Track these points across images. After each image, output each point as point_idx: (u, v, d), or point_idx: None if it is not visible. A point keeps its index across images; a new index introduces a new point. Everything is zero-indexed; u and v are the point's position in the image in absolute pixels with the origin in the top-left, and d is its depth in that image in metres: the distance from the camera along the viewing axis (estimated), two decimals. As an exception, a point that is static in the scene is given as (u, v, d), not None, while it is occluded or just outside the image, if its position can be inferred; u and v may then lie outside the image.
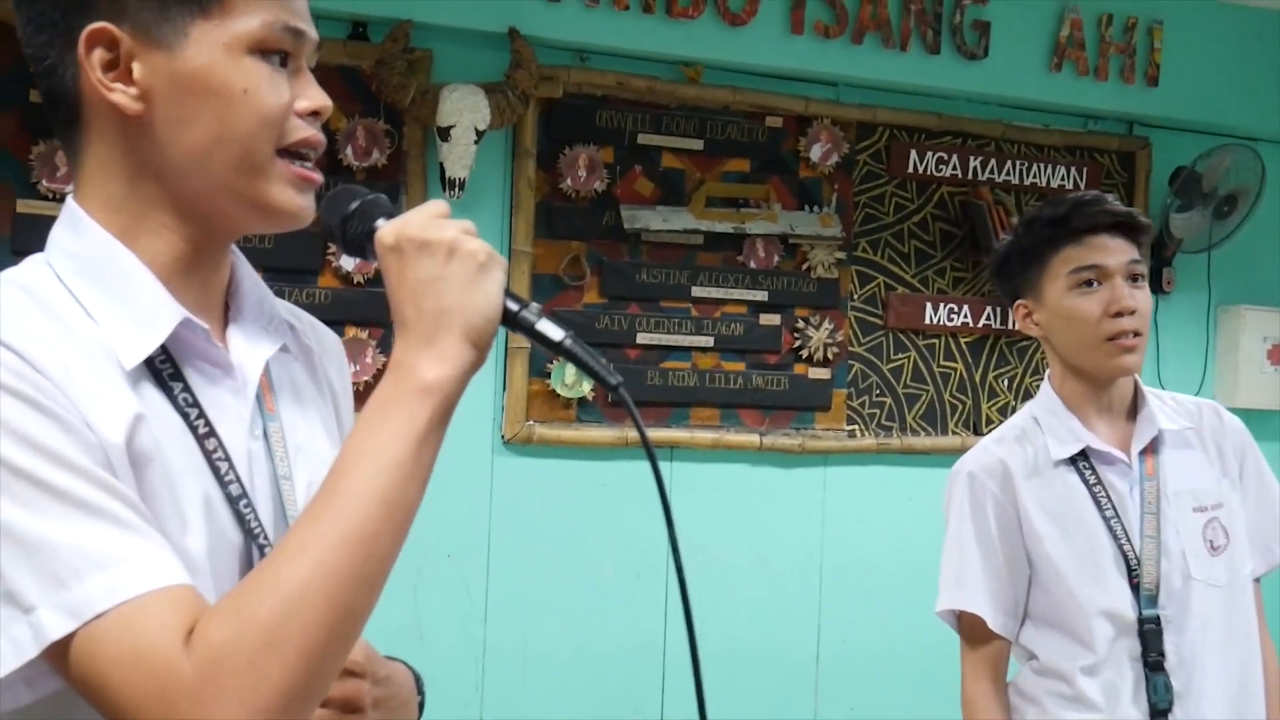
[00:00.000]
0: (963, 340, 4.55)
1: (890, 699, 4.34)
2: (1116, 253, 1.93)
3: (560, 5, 3.81)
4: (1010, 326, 4.56)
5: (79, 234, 1.07)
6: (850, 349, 4.36)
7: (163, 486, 0.98)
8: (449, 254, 0.99)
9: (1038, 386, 4.60)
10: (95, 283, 1.04)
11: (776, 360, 4.25)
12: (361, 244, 1.07)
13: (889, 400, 4.43)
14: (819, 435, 4.26)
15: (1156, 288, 4.81)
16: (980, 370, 4.58)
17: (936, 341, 4.51)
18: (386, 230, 1.02)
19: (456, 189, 3.68)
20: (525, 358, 3.79)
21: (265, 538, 1.05)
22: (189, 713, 0.85)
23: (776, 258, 4.23)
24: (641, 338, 4.05)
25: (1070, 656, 1.90)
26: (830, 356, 4.29)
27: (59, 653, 0.89)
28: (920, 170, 4.44)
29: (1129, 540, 1.90)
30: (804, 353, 4.26)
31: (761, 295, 4.21)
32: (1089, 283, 1.92)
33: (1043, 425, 2.00)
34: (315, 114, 1.08)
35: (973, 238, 4.49)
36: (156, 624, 0.88)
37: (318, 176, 1.10)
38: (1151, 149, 4.77)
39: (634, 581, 3.98)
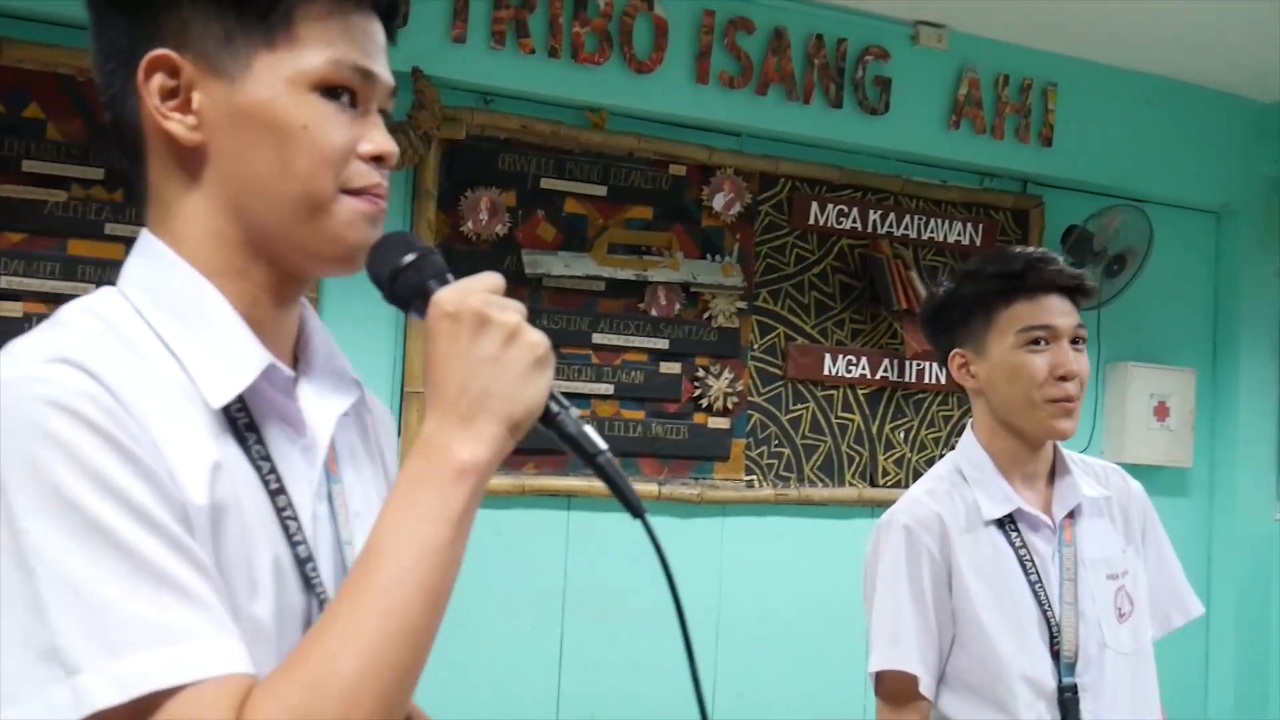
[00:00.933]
0: (860, 392, 4.57)
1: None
2: (1066, 315, 1.92)
3: (465, 46, 3.77)
4: (906, 379, 4.60)
5: (158, 267, 1.01)
6: (750, 399, 4.35)
7: (236, 544, 0.93)
8: (509, 338, 0.95)
9: (933, 439, 4.70)
10: (177, 318, 0.99)
11: (676, 409, 4.22)
12: (409, 299, 1.02)
13: (787, 450, 4.42)
14: (717, 485, 4.24)
15: (1049, 343, 4.90)
16: (877, 422, 4.60)
17: (835, 393, 4.52)
18: (448, 296, 0.96)
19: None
20: (420, 402, 3.71)
21: (323, 606, 1.00)
22: None
23: (678, 306, 4.21)
24: (541, 384, 3.99)
25: None
26: (730, 406, 4.28)
27: None
28: (821, 222, 4.47)
29: (1050, 606, 1.88)
30: (704, 402, 4.24)
31: (662, 343, 4.19)
32: (1038, 341, 1.89)
33: (970, 481, 1.95)
34: (379, 159, 1.03)
35: (872, 290, 4.52)
36: (217, 711, 0.83)
37: (384, 204, 1.05)
38: (1045, 207, 4.87)
39: (529, 633, 3.90)
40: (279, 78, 0.99)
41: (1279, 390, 5.35)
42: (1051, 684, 1.85)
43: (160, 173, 1.02)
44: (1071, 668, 1.86)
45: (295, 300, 1.08)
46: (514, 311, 0.96)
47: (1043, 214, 4.87)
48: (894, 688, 1.92)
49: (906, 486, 4.50)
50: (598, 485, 3.66)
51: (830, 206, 4.48)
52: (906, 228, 4.62)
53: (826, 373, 4.48)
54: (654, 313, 4.16)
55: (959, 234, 4.72)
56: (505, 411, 0.95)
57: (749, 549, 4.24)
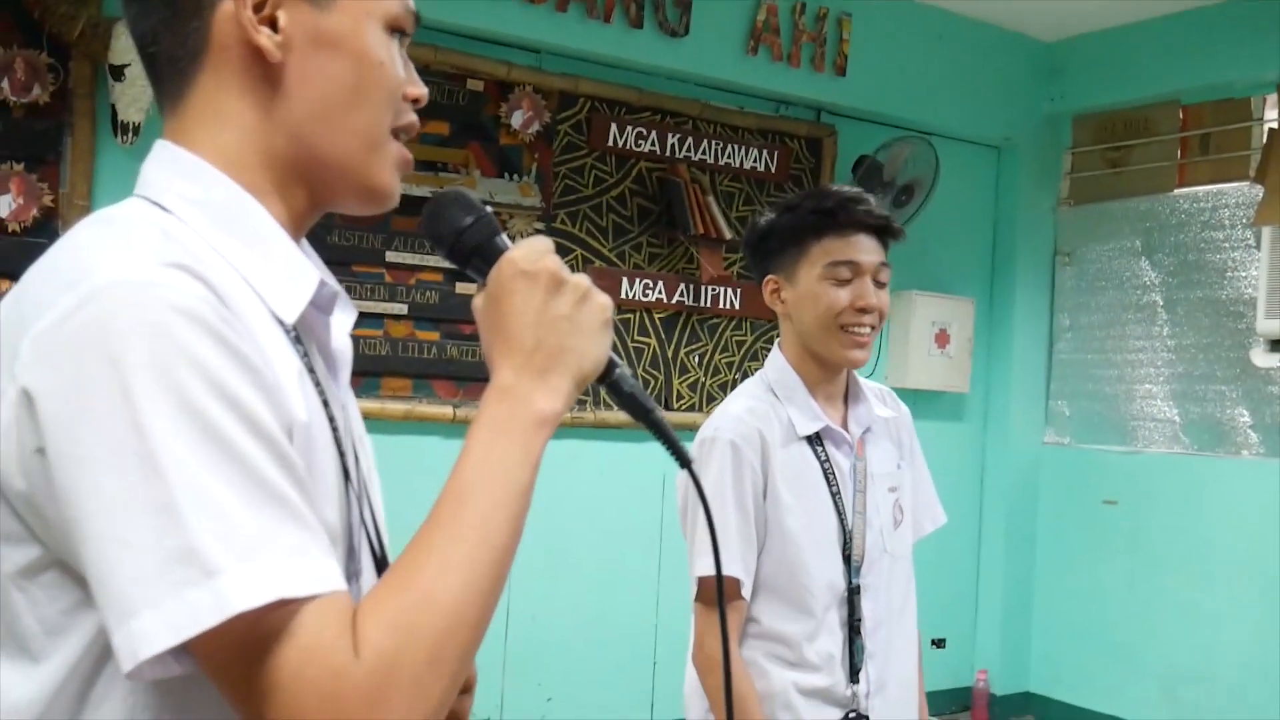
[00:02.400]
0: (657, 316, 4.59)
1: (582, 679, 4.35)
2: (871, 253, 2.04)
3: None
4: (702, 304, 4.64)
5: (201, 182, 0.99)
6: (546, 321, 4.33)
7: (320, 454, 0.96)
8: (583, 299, 1.01)
9: (727, 363, 4.76)
10: (233, 234, 0.98)
11: (471, 330, 4.16)
12: (469, 256, 1.07)
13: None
14: (513, 408, 4.21)
15: (839, 271, 5.01)
16: (673, 346, 4.64)
17: (632, 316, 4.53)
18: (524, 255, 1.01)
19: (130, 134, 3.40)
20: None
21: (360, 511, 1.04)
22: (359, 716, 0.84)
23: (474, 225, 4.12)
24: (331, 303, 3.87)
25: (793, 622, 2.01)
26: (526, 328, 4.24)
27: (222, 630, 0.81)
28: (620, 144, 4.44)
29: (845, 516, 2.04)
30: (500, 323, 4.19)
31: (458, 263, 4.10)
32: (842, 275, 2.02)
33: (783, 399, 2.08)
34: (416, 101, 1.08)
35: (669, 214, 4.53)
36: (334, 625, 0.84)
37: (412, 159, 1.10)
38: (838, 136, 4.95)
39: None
40: (361, 11, 1.02)
41: (1050, 320, 5.62)
42: (843, 585, 2.03)
43: (221, 85, 1.01)
44: (858, 570, 2.05)
45: (308, 227, 1.10)
46: (582, 275, 1.03)
47: (835, 143, 4.95)
48: (713, 592, 2.00)
49: (701, 410, 4.60)
50: (390, 407, 3.58)
51: (629, 128, 4.45)
52: (704, 152, 4.64)
53: (624, 296, 4.48)
54: (450, 232, 4.07)
55: (755, 160, 4.77)
56: (577, 366, 1.00)
57: (544, 473, 4.21)
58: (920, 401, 5.33)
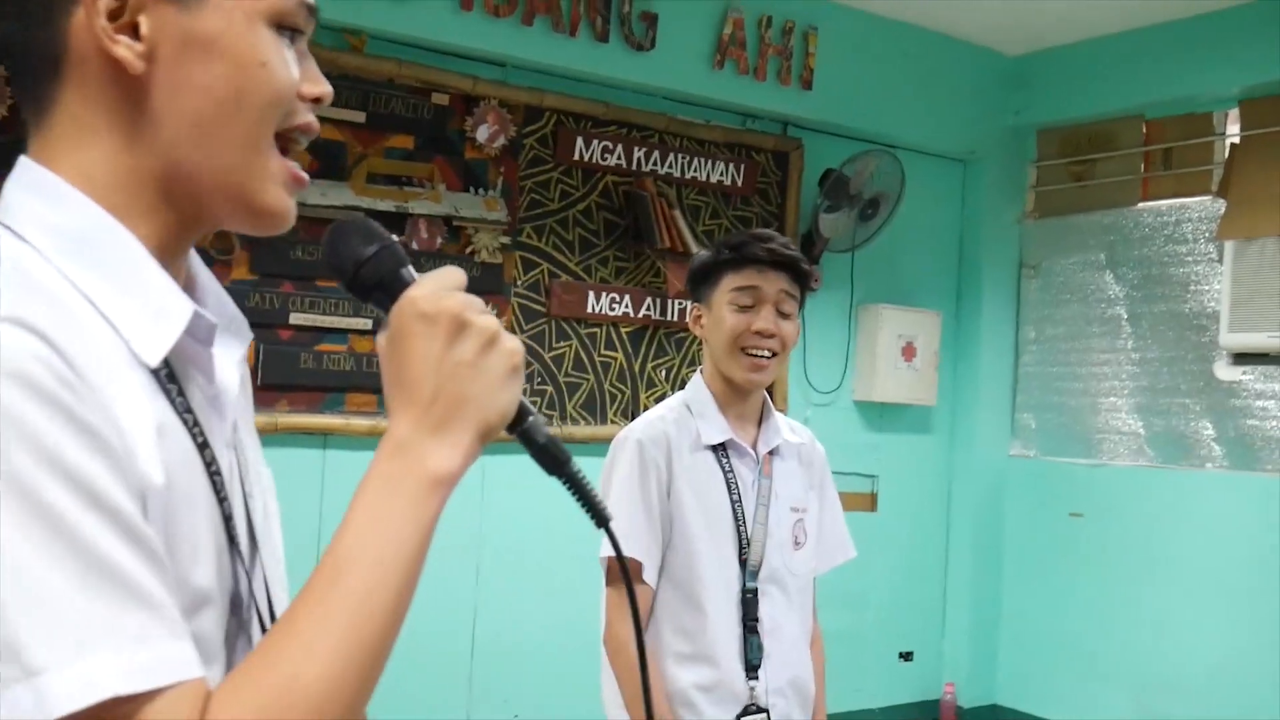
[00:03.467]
0: (623, 330, 4.58)
1: (549, 694, 4.32)
2: (774, 283, 2.24)
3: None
4: (669, 318, 4.63)
5: (61, 206, 0.90)
6: (513, 336, 4.30)
7: (184, 512, 0.88)
8: (489, 344, 0.93)
9: (692, 377, 4.74)
10: (93, 266, 0.88)
11: (437, 345, 4.13)
12: (371, 290, 0.97)
13: (550, 389, 4.39)
14: (479, 423, 4.18)
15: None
16: (639, 360, 4.62)
17: (598, 330, 4.51)
18: (424, 295, 0.92)
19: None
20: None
21: (245, 564, 0.97)
22: None
23: (440, 240, 4.10)
24: (295, 318, 3.83)
25: (691, 616, 2.19)
26: (492, 343, 4.21)
27: None
28: (586, 158, 4.42)
29: (744, 523, 2.23)
30: (466, 338, 4.16)
31: (423, 277, 4.07)
32: (745, 301, 2.23)
33: (695, 413, 2.28)
34: (318, 101, 0.99)
35: (636, 228, 4.51)
36: (182, 718, 0.78)
37: (306, 178, 1.00)
38: (804, 150, 4.96)
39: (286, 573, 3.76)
40: (236, 8, 0.92)
41: (1016, 333, 5.64)
42: (737, 586, 2.21)
43: (83, 100, 0.91)
44: (755, 575, 2.23)
45: (190, 246, 1.01)
46: (492, 317, 0.94)
47: (802, 156, 4.95)
48: (621, 573, 2.21)
49: (667, 424, 4.58)
50: (355, 423, 3.55)
51: (595, 142, 4.44)
52: (670, 166, 4.63)
53: (590, 310, 4.46)
54: (415, 246, 4.04)
55: (721, 174, 4.76)
56: (480, 419, 0.92)
57: (510, 489, 4.19)
58: (887, 415, 5.34)
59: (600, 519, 1.04)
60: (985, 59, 5.37)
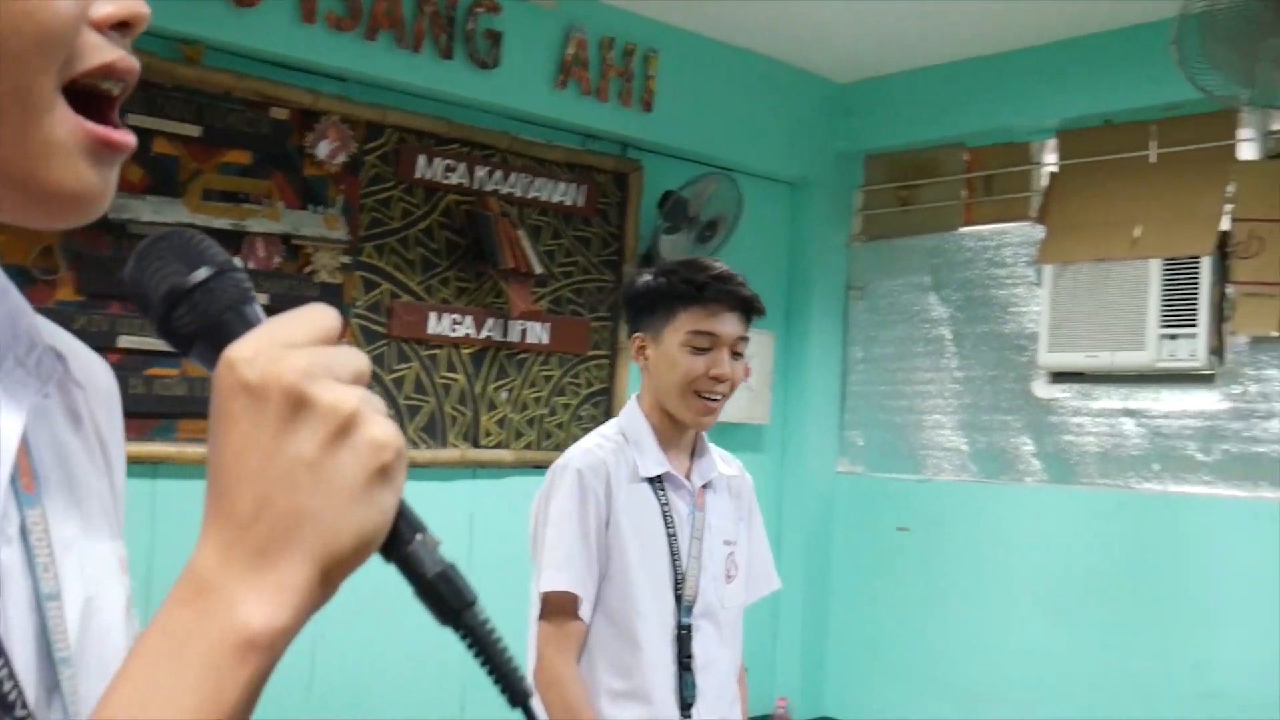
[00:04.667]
0: (464, 351, 4.50)
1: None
2: (732, 327, 2.22)
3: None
4: (510, 339, 4.58)
5: None
6: (353, 358, 4.18)
7: None
8: (341, 433, 0.62)
9: (535, 398, 4.70)
10: None
11: (275, 368, 3.98)
12: (193, 337, 0.68)
13: (390, 412, 4.28)
14: (319, 448, 4.04)
15: (644, 305, 5.02)
16: (481, 382, 4.55)
17: (439, 352, 4.43)
18: (251, 358, 0.62)
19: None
20: None
21: (23, 707, 0.66)
22: None
23: (278, 259, 3.96)
24: (124, 340, 3.64)
25: (627, 652, 2.15)
26: (333, 365, 4.08)
27: None
28: (428, 176, 4.34)
29: (680, 558, 2.21)
30: (305, 361, 4.02)
31: (261, 299, 3.90)
32: (702, 345, 2.19)
33: (632, 443, 2.24)
34: (125, 26, 0.69)
35: (478, 248, 4.44)
36: None
37: (126, 138, 0.70)
38: (644, 171, 4.97)
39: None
40: None
41: (844, 353, 5.78)
42: (672, 621, 2.18)
43: None
44: (690, 610, 2.20)
45: None
46: (355, 391, 0.63)
47: (641, 178, 4.97)
48: (557, 608, 2.15)
49: (508, 448, 4.52)
50: (188, 451, 3.40)
51: (438, 160, 4.36)
52: (513, 185, 4.58)
53: (431, 331, 4.37)
54: (252, 265, 3.89)
55: (563, 194, 4.74)
56: (323, 547, 0.62)
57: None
58: (725, 434, 5.39)
59: (516, 694, 0.69)
60: (817, 86, 5.49)
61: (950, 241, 5.41)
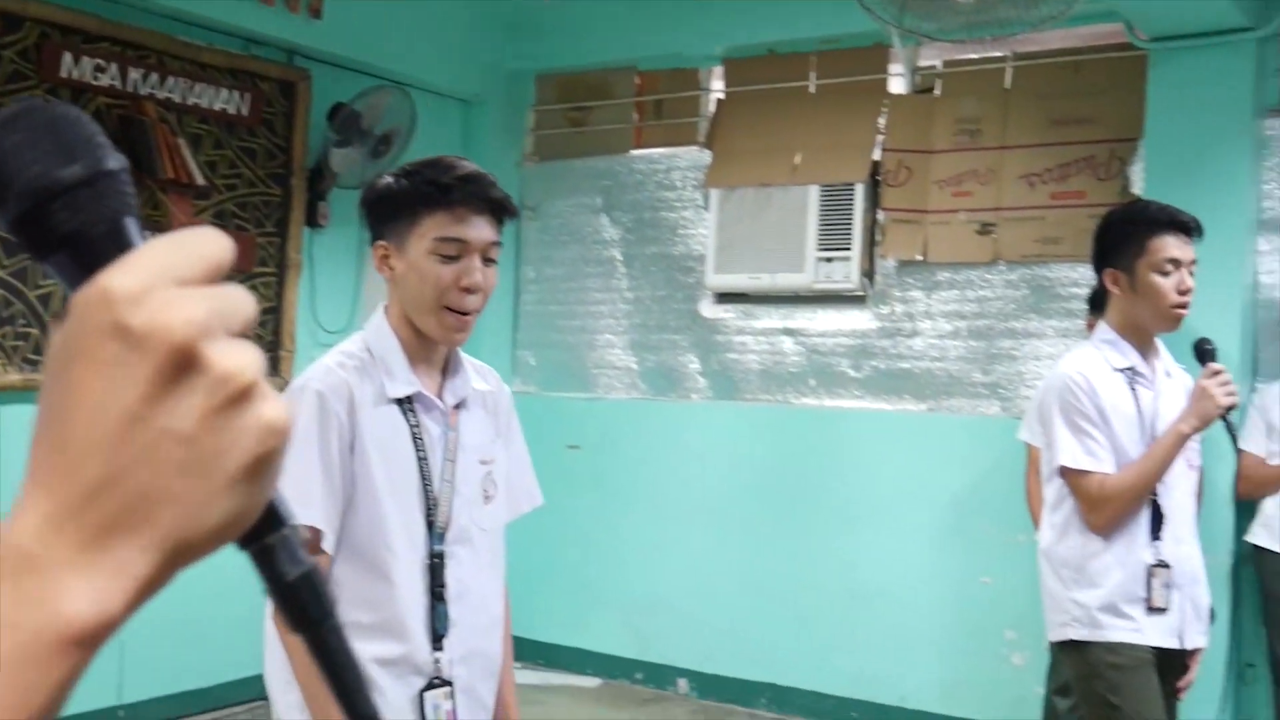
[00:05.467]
0: (119, 267, 4.20)
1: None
2: (483, 231, 2.00)
3: None
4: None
5: None
6: (-8, 273, 3.82)
7: None
8: (229, 407, 0.51)
9: (372, 316, 4.45)
10: None
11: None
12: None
13: (35, 331, 3.95)
14: (-46, 372, 3.68)
15: (312, 221, 4.85)
16: (138, 300, 4.26)
17: (91, 268, 4.11)
18: (131, 292, 0.50)
19: None
20: None
21: None
22: None
23: (-100, 161, 3.54)
24: None
25: (376, 585, 2.00)
26: (-32, 281, 3.71)
27: None
28: (76, 76, 3.99)
29: (431, 482, 2.06)
30: (-65, 276, 3.64)
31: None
32: (450, 252, 1.99)
33: (378, 360, 2.06)
34: None
35: (134, 157, 4.13)
36: None
37: None
38: (312, 81, 4.76)
39: None
40: None
41: (516, 272, 5.77)
42: (424, 550, 2.04)
43: None
44: (442, 537, 2.06)
45: None
46: (248, 350, 0.52)
47: (310, 88, 4.76)
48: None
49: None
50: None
51: (86, 59, 4.01)
52: (171, 90, 4.28)
53: (81, 245, 4.04)
54: None
55: (225, 102, 4.47)
56: (178, 534, 0.52)
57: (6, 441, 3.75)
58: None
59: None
60: (491, 2, 5.41)
61: (621, 164, 5.49)
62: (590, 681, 5.42)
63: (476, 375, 2.19)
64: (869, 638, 4.83)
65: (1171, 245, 2.64)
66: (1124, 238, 2.70)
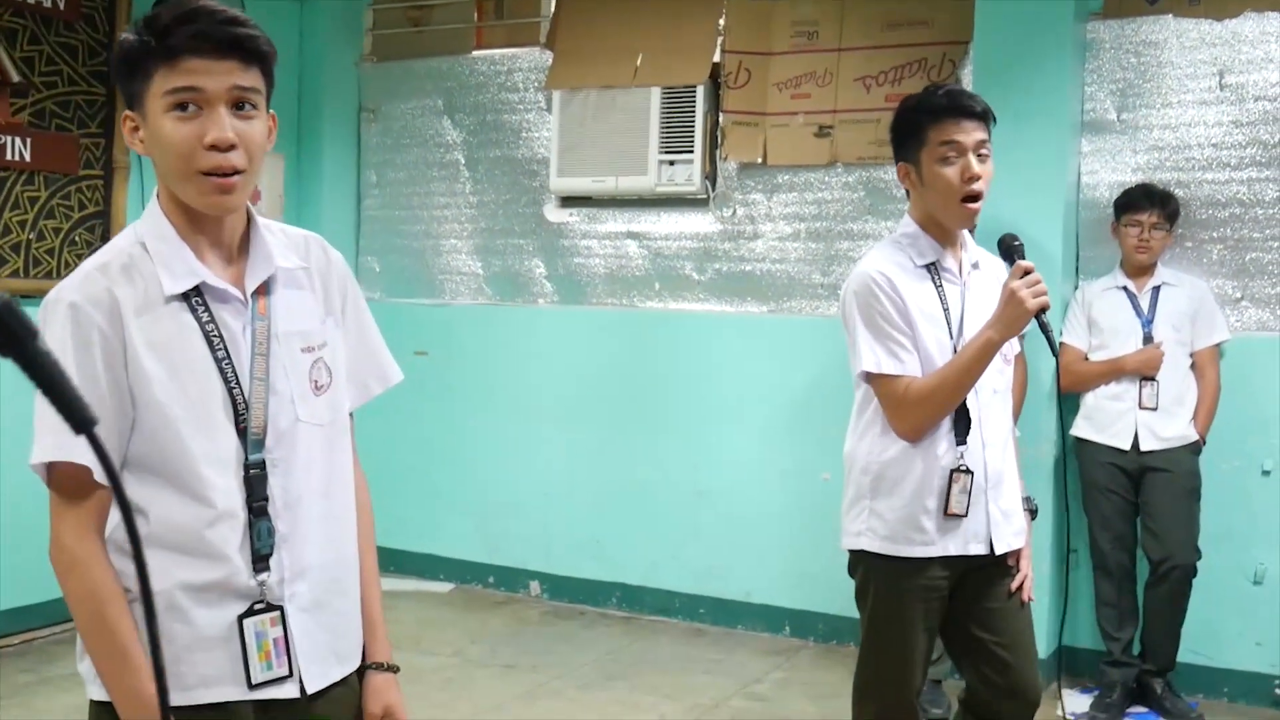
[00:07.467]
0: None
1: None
2: (220, 78, 1.67)
3: None
4: (6, 157, 4.11)
5: None
6: None
7: None
8: None
9: (19, 222, 4.27)
10: None
11: None
12: None
13: None
14: None
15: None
16: (-49, 205, 4.07)
17: (-102, 171, 3.90)
18: None
19: None
20: None
21: None
22: None
23: None
24: None
25: (185, 509, 1.73)
26: None
27: None
28: None
29: (239, 384, 1.77)
30: None
31: None
32: (186, 106, 1.66)
33: (152, 254, 1.75)
34: None
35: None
36: None
37: None
38: (134, -24, 4.56)
39: None
40: None
41: (358, 177, 5.66)
42: (238, 462, 1.76)
43: None
44: (260, 444, 1.78)
45: None
46: None
47: (132, -17, 4.55)
48: (65, 480, 1.72)
49: (-10, 277, 4.10)
50: None
51: (-118, -53, 3.77)
52: (-21, -18, 4.05)
53: (-115, 147, 3.83)
54: None
55: (40, -5, 4.25)
56: None
57: None
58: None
59: (78, 424, 0.75)
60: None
61: (462, 64, 5.40)
62: (442, 586, 5.44)
63: (287, 249, 1.88)
64: (715, 535, 4.93)
65: (951, 129, 2.54)
66: (909, 129, 2.62)
